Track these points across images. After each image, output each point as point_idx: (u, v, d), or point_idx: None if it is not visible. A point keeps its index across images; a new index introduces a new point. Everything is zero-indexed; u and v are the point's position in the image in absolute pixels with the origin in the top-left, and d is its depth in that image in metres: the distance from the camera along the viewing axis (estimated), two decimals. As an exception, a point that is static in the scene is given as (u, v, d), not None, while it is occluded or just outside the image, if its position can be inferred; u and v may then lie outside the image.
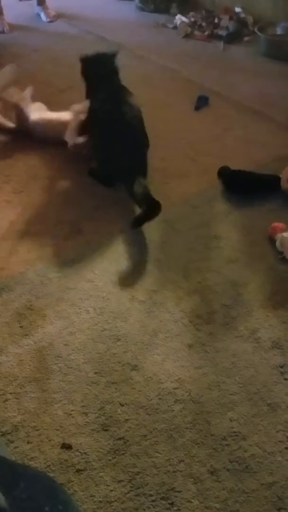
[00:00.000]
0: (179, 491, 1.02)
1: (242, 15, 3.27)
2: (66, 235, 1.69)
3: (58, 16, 3.70)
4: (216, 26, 3.26)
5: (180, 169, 1.99)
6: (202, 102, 2.43)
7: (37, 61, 3.01)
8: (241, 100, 2.47)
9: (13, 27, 3.52)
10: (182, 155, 2.08)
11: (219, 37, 3.18)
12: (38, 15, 3.71)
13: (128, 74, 2.81)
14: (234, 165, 1.92)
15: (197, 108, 2.41)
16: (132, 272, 1.54)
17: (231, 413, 1.14)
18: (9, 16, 3.57)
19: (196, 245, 1.62)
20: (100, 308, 1.42)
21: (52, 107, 2.39)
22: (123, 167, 1.77)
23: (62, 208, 1.81)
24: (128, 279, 1.51)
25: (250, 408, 1.15)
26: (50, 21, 3.63)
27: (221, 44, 3.13)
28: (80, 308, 1.43)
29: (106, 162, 1.85)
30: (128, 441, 1.09)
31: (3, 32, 3.44)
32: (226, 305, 1.40)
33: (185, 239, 1.65)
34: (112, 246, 1.64)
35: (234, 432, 1.11)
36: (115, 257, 1.60)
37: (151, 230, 1.69)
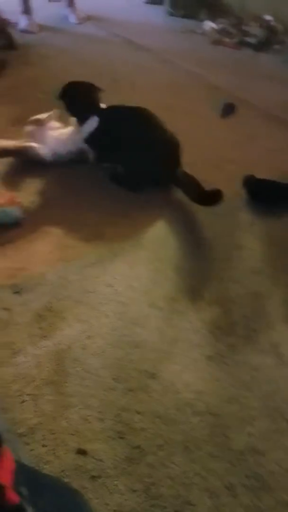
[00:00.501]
0: (194, 505, 1.00)
1: (272, 23, 3.25)
2: (88, 238, 1.69)
3: (87, 18, 3.73)
4: (245, 33, 3.25)
5: (203, 176, 1.96)
6: (228, 110, 2.42)
7: (64, 63, 3.03)
8: (268, 108, 2.46)
9: (41, 28, 3.55)
10: (206, 162, 2.07)
11: (248, 45, 3.17)
12: (67, 16, 3.74)
13: (155, 78, 2.83)
14: (259, 174, 1.90)
15: (223, 115, 2.40)
16: (152, 278, 1.53)
17: (250, 428, 1.12)
18: (38, 17, 3.61)
19: (218, 254, 1.61)
20: (119, 313, 1.41)
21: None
22: (157, 171, 1.81)
23: (85, 211, 1.81)
24: (148, 286, 1.50)
25: (269, 424, 1.13)
26: (78, 23, 3.67)
27: (249, 52, 3.11)
28: (99, 312, 1.42)
29: (137, 168, 1.85)
30: (144, 450, 1.08)
31: (31, 32, 3.48)
32: (248, 317, 1.38)
33: (207, 247, 1.63)
34: (133, 251, 1.64)
35: (252, 447, 1.09)
36: (136, 263, 1.59)
37: (173, 237, 1.68)
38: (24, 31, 3.48)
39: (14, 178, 1.98)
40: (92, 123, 1.90)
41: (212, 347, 1.30)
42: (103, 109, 1.94)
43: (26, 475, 0.47)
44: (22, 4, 3.52)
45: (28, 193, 1.90)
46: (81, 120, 1.93)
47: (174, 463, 1.06)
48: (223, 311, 1.40)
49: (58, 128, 2.00)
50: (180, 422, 1.13)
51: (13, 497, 0.43)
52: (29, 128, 2.01)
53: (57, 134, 2.00)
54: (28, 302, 1.45)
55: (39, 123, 1.99)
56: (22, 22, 3.52)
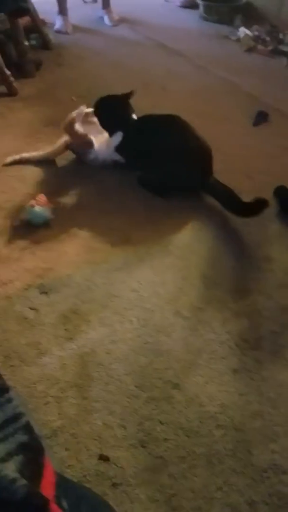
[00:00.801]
0: (214, 520, 1.00)
1: (308, 32, 3.22)
2: (115, 242, 1.70)
3: (121, 20, 3.73)
4: (280, 41, 3.22)
5: (233, 184, 1.95)
6: (261, 118, 2.39)
7: (97, 65, 3.05)
8: (301, 118, 2.43)
9: (76, 29, 3.57)
10: (236, 171, 2.05)
11: (283, 53, 3.13)
12: (102, 18, 3.75)
13: (187, 84, 2.82)
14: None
15: (256, 123, 2.38)
16: (178, 285, 1.53)
17: (274, 445, 1.11)
18: (73, 18, 3.63)
19: (247, 265, 1.59)
20: (143, 320, 1.41)
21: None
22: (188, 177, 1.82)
23: (113, 215, 1.81)
24: (174, 293, 1.50)
25: (293, 442, 1.12)
26: (113, 25, 3.67)
27: (284, 60, 3.08)
28: (124, 317, 1.42)
29: (168, 175, 1.85)
30: (166, 461, 1.08)
31: (66, 33, 3.50)
32: (275, 332, 1.36)
33: (236, 258, 1.62)
34: (159, 257, 1.63)
35: (276, 465, 1.08)
36: (162, 269, 1.59)
37: (201, 245, 1.67)
38: (59, 32, 3.50)
39: (46, 179, 2.00)
40: (117, 137, 1.92)
41: (238, 360, 1.29)
42: (133, 120, 1.94)
43: (66, 487, 0.47)
44: (58, 4, 3.54)
45: (58, 195, 1.91)
46: (110, 134, 1.96)
47: (196, 475, 1.06)
48: (250, 324, 1.39)
49: (102, 131, 2.01)
50: (203, 435, 1.13)
51: (56, 510, 0.43)
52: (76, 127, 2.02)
53: (103, 139, 2.00)
54: (54, 303, 1.46)
55: (73, 121, 2.00)
56: (58, 22, 3.55)
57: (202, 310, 1.44)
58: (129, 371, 1.27)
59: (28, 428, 0.52)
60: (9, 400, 0.55)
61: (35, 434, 0.52)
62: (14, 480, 0.45)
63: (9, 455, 0.49)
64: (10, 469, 0.47)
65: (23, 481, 0.44)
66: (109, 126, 1.96)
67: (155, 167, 1.87)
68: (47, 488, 0.46)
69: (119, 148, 1.94)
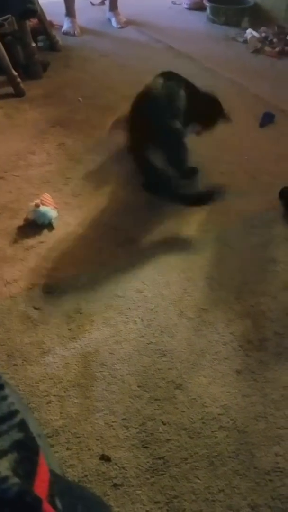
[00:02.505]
0: (216, 522, 0.99)
1: (316, 33, 3.20)
2: (120, 242, 1.69)
3: (129, 22, 3.74)
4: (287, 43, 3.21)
5: (239, 186, 1.96)
6: (267, 119, 2.38)
7: (105, 66, 3.06)
8: (308, 120, 2.41)
9: (83, 31, 3.59)
10: (243, 172, 2.04)
11: (290, 54, 3.13)
12: (109, 20, 3.77)
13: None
14: (297, 188, 1.86)
15: (262, 125, 2.37)
16: (182, 286, 1.52)
17: (277, 448, 1.10)
18: (81, 20, 3.64)
19: (252, 267, 1.58)
20: (147, 320, 1.41)
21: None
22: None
23: (118, 216, 1.81)
24: (178, 294, 1.49)
25: (297, 445, 1.10)
26: (120, 27, 3.68)
27: (291, 62, 3.07)
28: (127, 318, 1.42)
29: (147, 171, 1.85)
30: (168, 462, 1.07)
31: (73, 35, 3.52)
32: (280, 334, 1.35)
33: (241, 259, 1.61)
34: (164, 258, 1.63)
35: (279, 468, 1.07)
36: (167, 270, 1.58)
37: (206, 246, 1.67)
38: (67, 33, 3.52)
39: (51, 179, 2.00)
40: None
41: (241, 361, 1.28)
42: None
43: (61, 486, 0.47)
44: (65, 6, 3.56)
45: (64, 195, 1.92)
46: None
47: (198, 477, 1.05)
48: (254, 326, 1.38)
49: None
50: (205, 436, 1.12)
51: (49, 510, 0.42)
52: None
53: None
54: (58, 302, 1.46)
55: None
56: (65, 24, 3.57)
57: (206, 311, 1.43)
58: (132, 371, 1.26)
59: (23, 426, 0.52)
60: (4, 398, 0.54)
61: (30, 433, 0.52)
62: (6, 478, 0.44)
63: (2, 453, 0.48)
64: (3, 466, 0.46)
65: (15, 480, 0.44)
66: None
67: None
68: (41, 487, 0.45)
69: None
